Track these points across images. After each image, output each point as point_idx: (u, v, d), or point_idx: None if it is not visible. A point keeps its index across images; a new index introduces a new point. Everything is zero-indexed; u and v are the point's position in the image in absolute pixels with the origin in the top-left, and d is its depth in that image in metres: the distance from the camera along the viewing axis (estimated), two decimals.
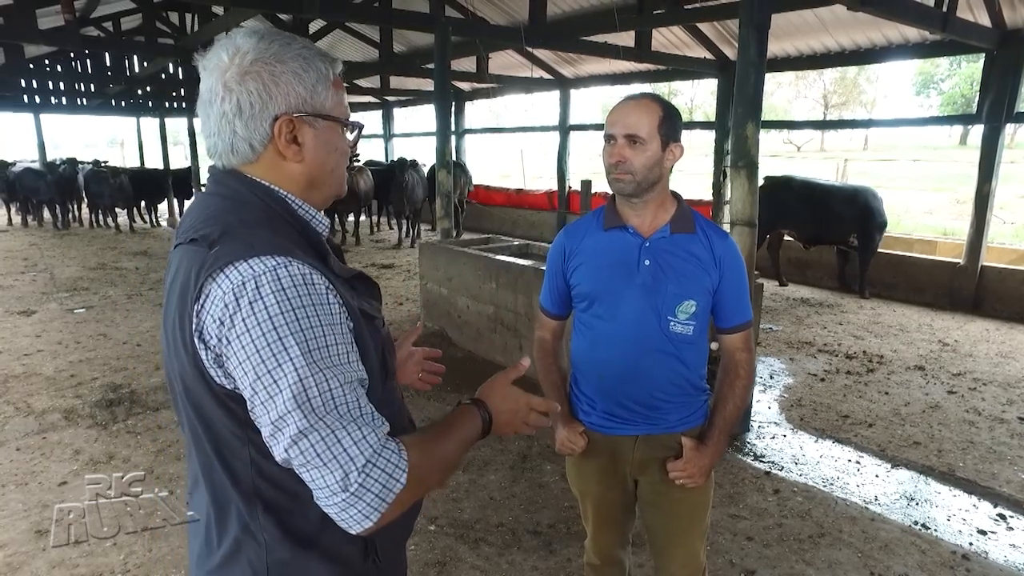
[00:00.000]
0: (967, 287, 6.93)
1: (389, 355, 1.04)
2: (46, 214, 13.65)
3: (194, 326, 0.85)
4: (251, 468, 0.91)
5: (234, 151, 0.94)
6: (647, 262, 1.58)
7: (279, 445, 0.83)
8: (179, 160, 15.60)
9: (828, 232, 7.50)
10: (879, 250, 7.50)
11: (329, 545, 0.95)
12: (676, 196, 1.66)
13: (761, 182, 7.63)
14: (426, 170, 11.04)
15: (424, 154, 12.71)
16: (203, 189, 1.00)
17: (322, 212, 1.03)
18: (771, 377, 4.88)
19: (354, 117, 1.05)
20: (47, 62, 13.09)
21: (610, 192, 1.64)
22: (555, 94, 11.60)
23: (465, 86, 12.81)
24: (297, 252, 0.87)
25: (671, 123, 1.54)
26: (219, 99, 0.91)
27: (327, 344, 0.85)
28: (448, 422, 1.01)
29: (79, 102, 15.36)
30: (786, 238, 8.08)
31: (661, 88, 15.82)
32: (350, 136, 1.03)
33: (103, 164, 12.70)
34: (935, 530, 2.93)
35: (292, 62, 0.93)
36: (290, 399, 0.81)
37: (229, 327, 0.83)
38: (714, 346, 1.76)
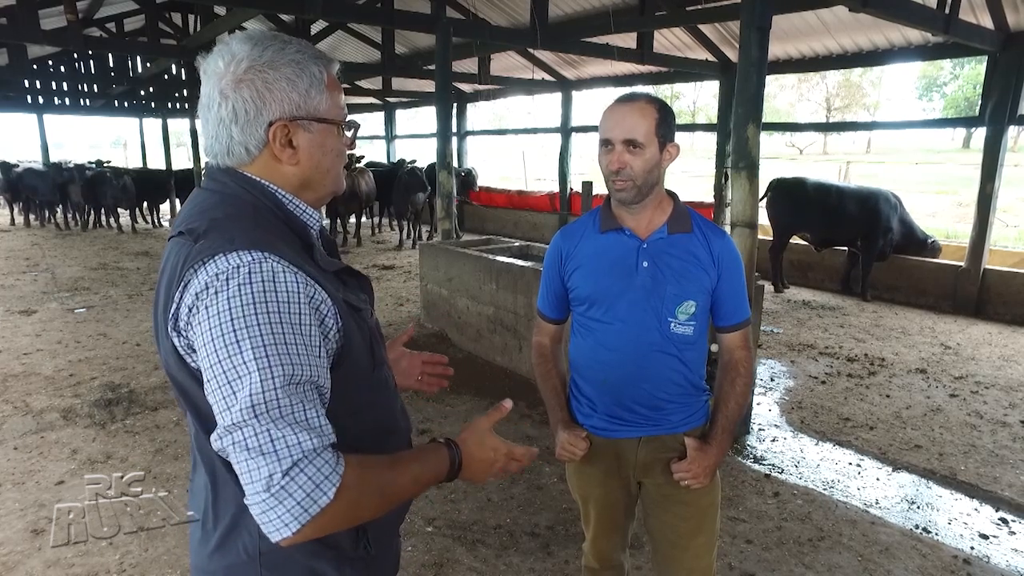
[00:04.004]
0: (969, 290, 6.91)
1: (377, 345, 1.06)
2: (52, 214, 13.67)
3: (172, 313, 0.90)
4: None
5: (230, 153, 0.98)
6: (645, 264, 1.56)
7: (215, 432, 0.84)
8: (182, 161, 15.64)
9: (840, 234, 7.52)
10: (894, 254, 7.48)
11: None
12: (672, 196, 1.64)
13: (770, 186, 7.76)
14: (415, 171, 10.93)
15: (427, 155, 12.72)
16: (200, 185, 1.04)
17: (318, 208, 1.05)
18: (772, 379, 4.86)
19: (354, 118, 1.07)
20: (50, 63, 13.12)
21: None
22: (557, 96, 11.60)
23: (467, 88, 12.83)
24: (278, 246, 0.90)
25: (667, 123, 1.52)
26: (216, 105, 0.95)
27: (285, 343, 0.84)
28: (409, 455, 1.00)
29: (82, 103, 15.42)
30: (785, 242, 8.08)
31: (663, 90, 15.83)
32: (348, 134, 1.05)
33: (105, 164, 12.71)
34: (936, 534, 2.90)
35: (285, 68, 0.95)
36: (233, 392, 0.82)
37: (194, 314, 0.86)
38: (714, 348, 1.74)
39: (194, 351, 0.89)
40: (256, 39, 0.96)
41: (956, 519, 3.04)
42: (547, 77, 11.00)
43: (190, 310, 0.87)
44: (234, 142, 0.96)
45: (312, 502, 0.80)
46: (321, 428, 0.84)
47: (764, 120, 3.64)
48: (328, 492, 0.81)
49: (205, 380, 0.85)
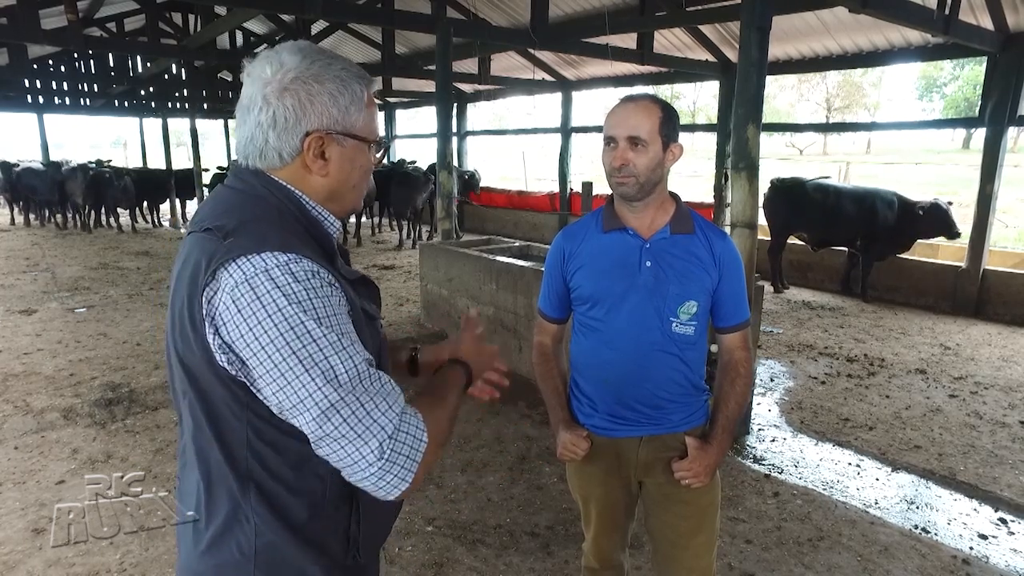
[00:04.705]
0: (969, 291, 6.91)
1: (384, 355, 1.09)
2: (52, 214, 13.64)
3: (205, 312, 0.89)
4: (247, 450, 0.95)
5: (263, 156, 1.00)
6: (648, 263, 1.58)
7: (310, 422, 0.87)
8: (182, 161, 15.63)
9: (837, 234, 7.51)
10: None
11: (315, 535, 0.99)
12: (674, 197, 1.66)
13: (769, 185, 7.76)
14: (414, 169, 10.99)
15: (427, 156, 12.71)
16: (224, 182, 1.06)
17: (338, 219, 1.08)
18: (772, 380, 4.86)
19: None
20: (50, 62, 13.11)
21: (610, 194, 1.64)
22: (557, 96, 11.60)
23: (467, 88, 12.82)
24: (305, 251, 0.92)
25: (671, 124, 1.54)
26: (257, 109, 0.97)
27: (343, 331, 0.90)
28: (444, 381, 1.13)
29: (82, 102, 15.38)
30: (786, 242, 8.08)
31: (663, 90, 15.83)
32: (377, 155, 1.08)
33: (105, 164, 12.69)
34: (935, 534, 2.91)
35: (330, 83, 0.98)
36: (319, 376, 0.86)
37: (248, 315, 0.86)
38: (713, 348, 1.76)
39: (227, 351, 0.89)
40: (305, 51, 0.99)
41: (955, 519, 3.04)
42: (547, 77, 11.00)
43: (239, 311, 0.86)
44: (268, 146, 0.98)
45: (416, 451, 0.92)
46: (397, 390, 0.94)
47: (764, 120, 3.64)
48: (423, 439, 0.93)
49: (276, 375, 0.86)
